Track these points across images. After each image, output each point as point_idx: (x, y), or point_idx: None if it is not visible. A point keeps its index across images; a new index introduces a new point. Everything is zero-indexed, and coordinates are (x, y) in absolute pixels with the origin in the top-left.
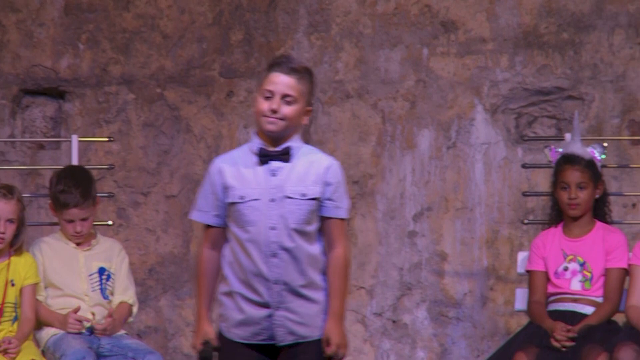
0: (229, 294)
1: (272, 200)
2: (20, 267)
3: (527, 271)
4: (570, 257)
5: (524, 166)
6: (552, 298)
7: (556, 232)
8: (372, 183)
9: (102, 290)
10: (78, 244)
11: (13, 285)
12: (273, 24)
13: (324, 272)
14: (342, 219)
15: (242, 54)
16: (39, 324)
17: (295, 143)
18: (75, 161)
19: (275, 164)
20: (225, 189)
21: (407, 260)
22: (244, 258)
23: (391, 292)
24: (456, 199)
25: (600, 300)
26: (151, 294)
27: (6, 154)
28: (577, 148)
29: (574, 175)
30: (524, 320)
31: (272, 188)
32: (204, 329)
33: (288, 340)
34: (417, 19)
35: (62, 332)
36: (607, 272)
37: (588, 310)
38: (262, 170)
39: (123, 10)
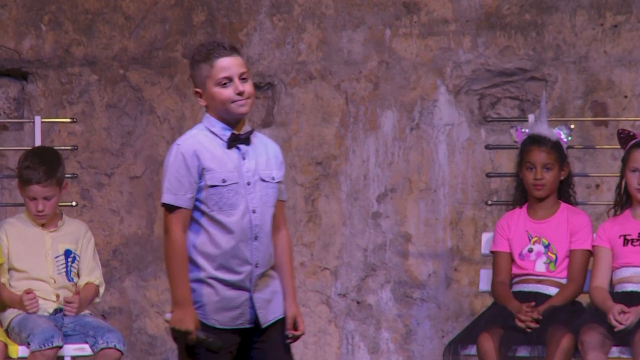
0: (202, 280)
1: (248, 183)
2: None
3: (492, 252)
4: (535, 238)
5: (487, 147)
6: (516, 279)
7: (521, 213)
8: (336, 164)
9: (68, 272)
10: (43, 225)
11: None
12: (235, 4)
13: None
14: (284, 201)
15: (205, 35)
16: (2, 306)
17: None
18: (38, 142)
19: (243, 148)
20: (203, 171)
21: (371, 241)
22: (224, 242)
23: (355, 273)
24: (420, 180)
25: (564, 281)
26: (115, 274)
27: None
28: (544, 129)
29: (540, 156)
30: (489, 301)
31: (246, 171)
32: (194, 314)
33: (268, 321)
34: (380, 0)
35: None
36: (571, 254)
37: (552, 291)
38: (231, 153)
39: None
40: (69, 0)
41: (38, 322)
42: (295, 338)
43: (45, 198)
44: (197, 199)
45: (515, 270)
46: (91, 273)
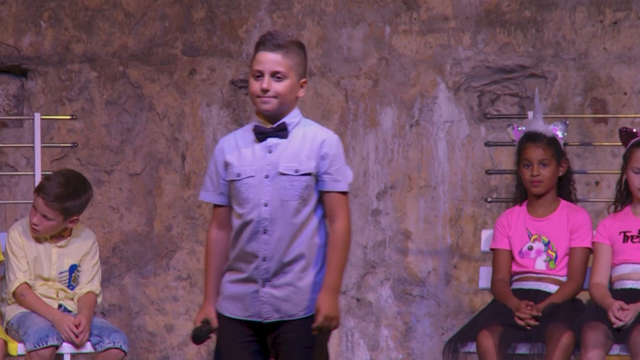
0: (227, 268)
1: (266, 177)
2: None
3: (492, 249)
4: (535, 236)
5: (487, 144)
6: (515, 277)
7: (521, 210)
8: None
9: (69, 285)
10: (50, 238)
11: None
12: (235, 1)
13: (320, 249)
14: (342, 193)
15: (205, 32)
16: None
17: (292, 118)
18: (37, 139)
19: (271, 141)
20: (226, 166)
21: (371, 238)
22: (238, 235)
23: (355, 270)
24: (419, 177)
25: (564, 279)
26: (115, 272)
27: None
28: (539, 126)
29: (536, 153)
30: (488, 298)
31: (267, 165)
32: (207, 309)
33: (274, 317)
34: None
35: (27, 310)
36: (571, 251)
37: (552, 288)
38: (259, 147)
39: None
40: None
41: (35, 321)
42: (318, 331)
43: (44, 216)
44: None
45: (515, 268)
46: (91, 282)
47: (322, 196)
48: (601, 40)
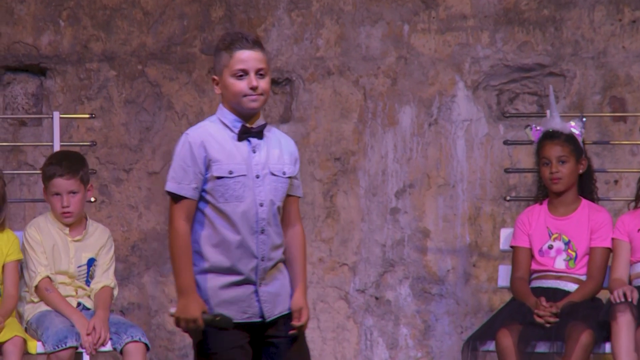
0: (207, 272)
1: (257, 176)
2: (3, 244)
3: (512, 247)
4: (555, 235)
5: (505, 143)
6: (535, 275)
7: (542, 209)
8: (354, 160)
9: (87, 280)
10: (69, 227)
11: None
12: (254, 0)
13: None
14: (299, 197)
15: (223, 31)
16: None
17: (263, 119)
18: (56, 138)
19: (254, 141)
20: (209, 162)
21: (390, 237)
22: (230, 234)
23: (374, 268)
24: (438, 175)
25: (583, 278)
26: (134, 270)
27: None
28: (556, 123)
29: (554, 150)
30: (507, 297)
31: (256, 164)
32: (199, 300)
33: (274, 315)
34: None
35: (47, 309)
36: (591, 251)
37: (571, 287)
38: (242, 146)
39: None
40: None
41: (54, 321)
42: (298, 329)
43: (70, 193)
44: (203, 190)
45: (534, 266)
46: (106, 273)
47: (284, 199)
48: (620, 38)
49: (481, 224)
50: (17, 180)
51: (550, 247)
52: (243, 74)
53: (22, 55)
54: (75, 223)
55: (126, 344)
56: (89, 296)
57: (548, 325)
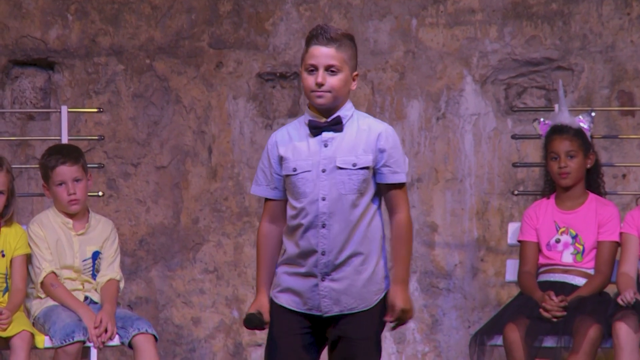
0: (282, 263)
1: (323, 171)
2: (11, 238)
3: (519, 241)
4: (563, 229)
5: (513, 137)
6: (542, 269)
7: (549, 203)
8: None
9: (93, 274)
10: (73, 217)
11: (3, 256)
12: None
13: (377, 242)
14: (401, 184)
15: (231, 25)
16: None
17: (346, 111)
18: (64, 132)
19: (327, 135)
20: (281, 161)
21: None
22: (295, 229)
23: None
24: (446, 170)
25: (591, 272)
26: (142, 264)
27: None
28: (565, 118)
29: (562, 144)
30: (515, 291)
31: (324, 159)
32: (260, 300)
33: (334, 311)
34: None
35: (54, 303)
36: (599, 245)
37: (579, 281)
38: (314, 141)
39: None
40: None
41: (61, 316)
42: (396, 325)
43: (75, 180)
44: (285, 189)
45: (542, 260)
46: (112, 267)
47: (380, 188)
48: (628, 32)
49: (489, 218)
50: (25, 175)
51: (558, 241)
52: (313, 69)
53: (30, 49)
54: (78, 216)
55: (134, 336)
56: (95, 290)
57: (555, 319)
